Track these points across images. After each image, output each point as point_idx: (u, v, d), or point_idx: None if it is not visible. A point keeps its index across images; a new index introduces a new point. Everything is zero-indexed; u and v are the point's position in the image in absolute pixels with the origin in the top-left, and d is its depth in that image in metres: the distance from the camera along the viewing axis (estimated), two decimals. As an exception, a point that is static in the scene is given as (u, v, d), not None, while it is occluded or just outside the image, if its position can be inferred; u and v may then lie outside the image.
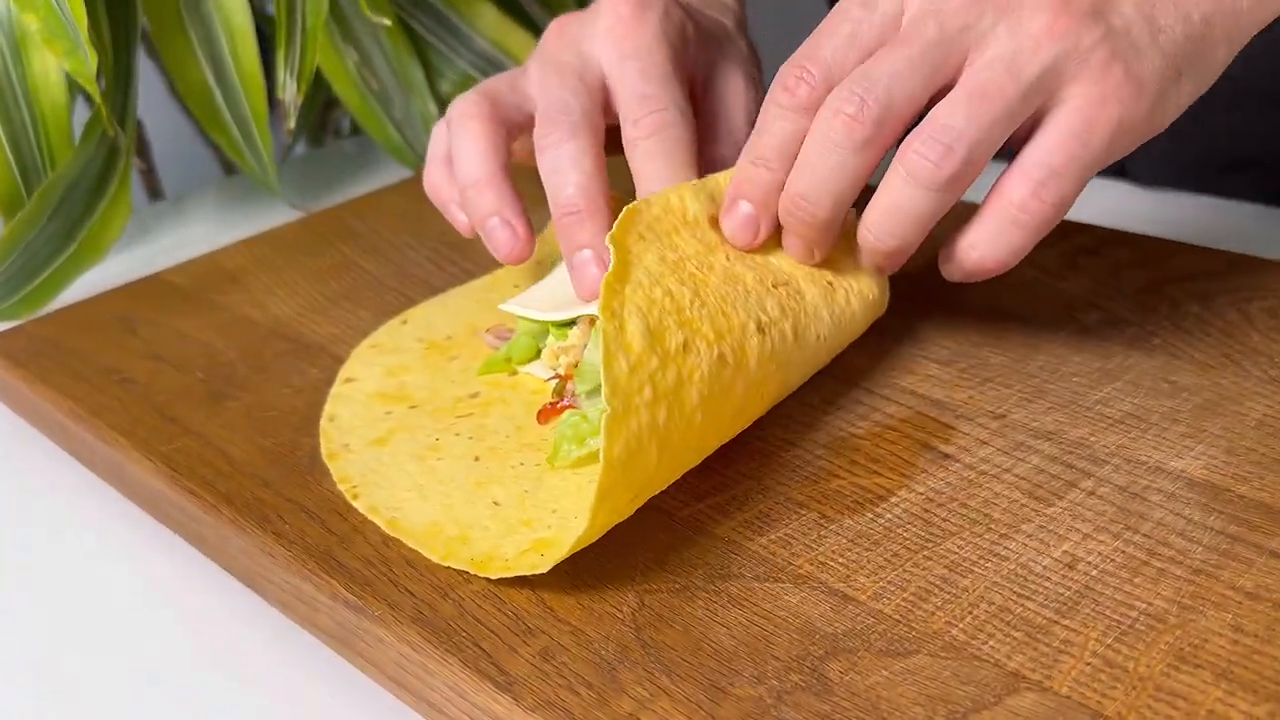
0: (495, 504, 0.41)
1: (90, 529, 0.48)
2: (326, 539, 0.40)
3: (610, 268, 0.38)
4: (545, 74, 0.50)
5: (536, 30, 0.77)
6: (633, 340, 0.37)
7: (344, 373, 0.49)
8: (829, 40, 0.42)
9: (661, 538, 0.39)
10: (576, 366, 0.45)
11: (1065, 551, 0.37)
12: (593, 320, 0.44)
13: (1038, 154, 0.40)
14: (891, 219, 0.41)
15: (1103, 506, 0.39)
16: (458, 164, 0.49)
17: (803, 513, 0.39)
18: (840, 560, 0.37)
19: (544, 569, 0.36)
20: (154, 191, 0.89)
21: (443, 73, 0.77)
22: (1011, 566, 0.36)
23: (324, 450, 0.44)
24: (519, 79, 0.52)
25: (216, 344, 0.54)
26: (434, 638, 0.35)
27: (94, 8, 0.64)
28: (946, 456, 0.42)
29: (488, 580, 0.37)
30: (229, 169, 0.94)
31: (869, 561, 0.37)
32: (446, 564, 0.38)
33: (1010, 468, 0.41)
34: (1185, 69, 0.40)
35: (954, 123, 0.39)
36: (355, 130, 0.93)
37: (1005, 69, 0.39)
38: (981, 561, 0.37)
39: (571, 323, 0.46)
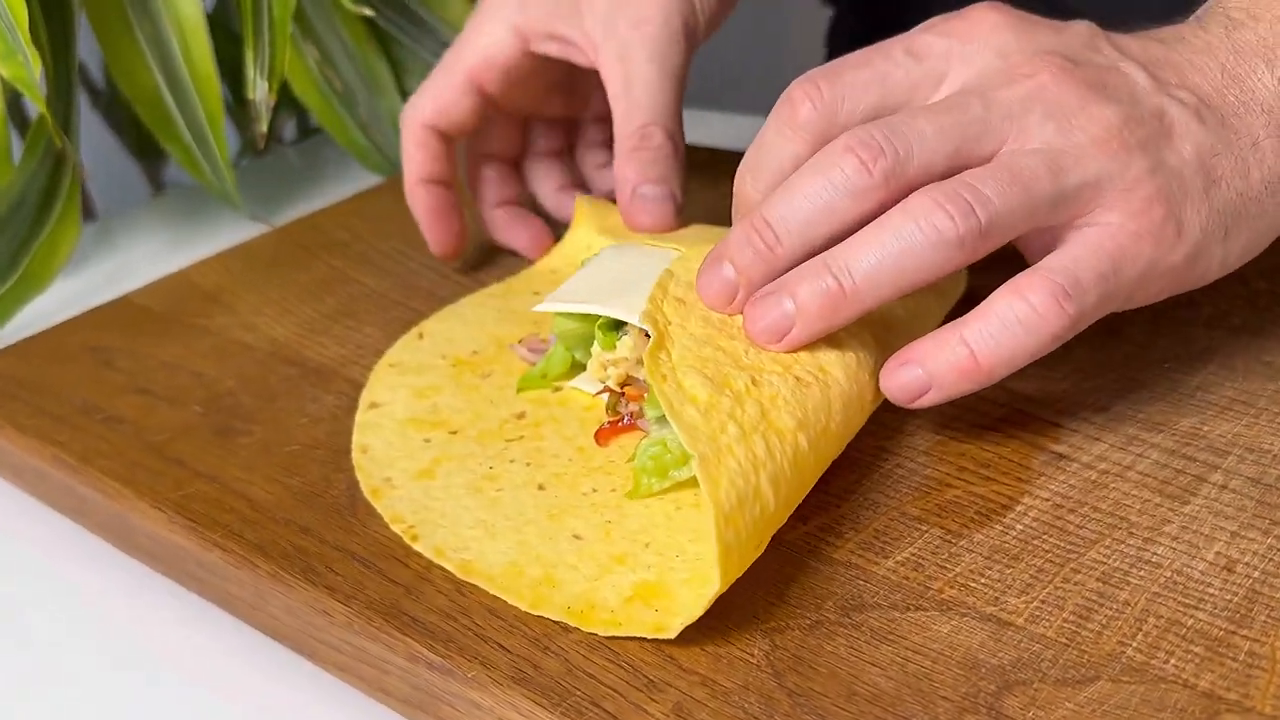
0: (576, 538, 0.36)
1: (89, 593, 0.42)
2: (390, 590, 0.35)
3: (651, 340, 0.36)
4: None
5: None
6: (696, 391, 0.35)
7: (367, 397, 0.44)
8: (854, 71, 0.38)
9: (774, 567, 0.35)
10: (629, 380, 0.41)
11: (1218, 553, 0.34)
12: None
13: (1064, 261, 0.36)
14: (884, 265, 0.35)
15: (1241, 501, 0.36)
16: None
17: (924, 529, 0.36)
18: (981, 580, 0.34)
19: (671, 633, 0.32)
20: (86, 211, 0.82)
21: (409, 68, 0.72)
22: (1167, 574, 0.33)
23: (365, 487, 0.39)
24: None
25: (210, 372, 0.48)
26: (544, 699, 0.31)
27: (30, 7, 0.58)
28: (1061, 457, 0.38)
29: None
30: (157, 186, 0.87)
31: (1014, 580, 0.33)
32: (537, 613, 0.33)
33: (1131, 465, 0.38)
34: (1234, 228, 0.37)
35: (984, 189, 0.35)
36: (303, 135, 0.87)
37: (1046, 165, 0.35)
38: (1134, 570, 0.33)
39: (619, 329, 0.41)
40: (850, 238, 0.36)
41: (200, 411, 0.45)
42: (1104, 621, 0.32)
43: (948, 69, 0.38)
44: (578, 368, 0.44)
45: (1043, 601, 0.33)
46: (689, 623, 0.31)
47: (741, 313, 0.38)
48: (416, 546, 0.36)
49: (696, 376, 0.35)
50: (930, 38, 0.38)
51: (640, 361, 0.40)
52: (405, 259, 0.57)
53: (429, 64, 0.72)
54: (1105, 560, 0.34)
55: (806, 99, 0.38)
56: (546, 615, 0.33)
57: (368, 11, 0.59)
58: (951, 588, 0.33)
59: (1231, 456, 0.38)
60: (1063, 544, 0.35)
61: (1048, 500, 0.37)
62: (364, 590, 0.35)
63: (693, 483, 0.37)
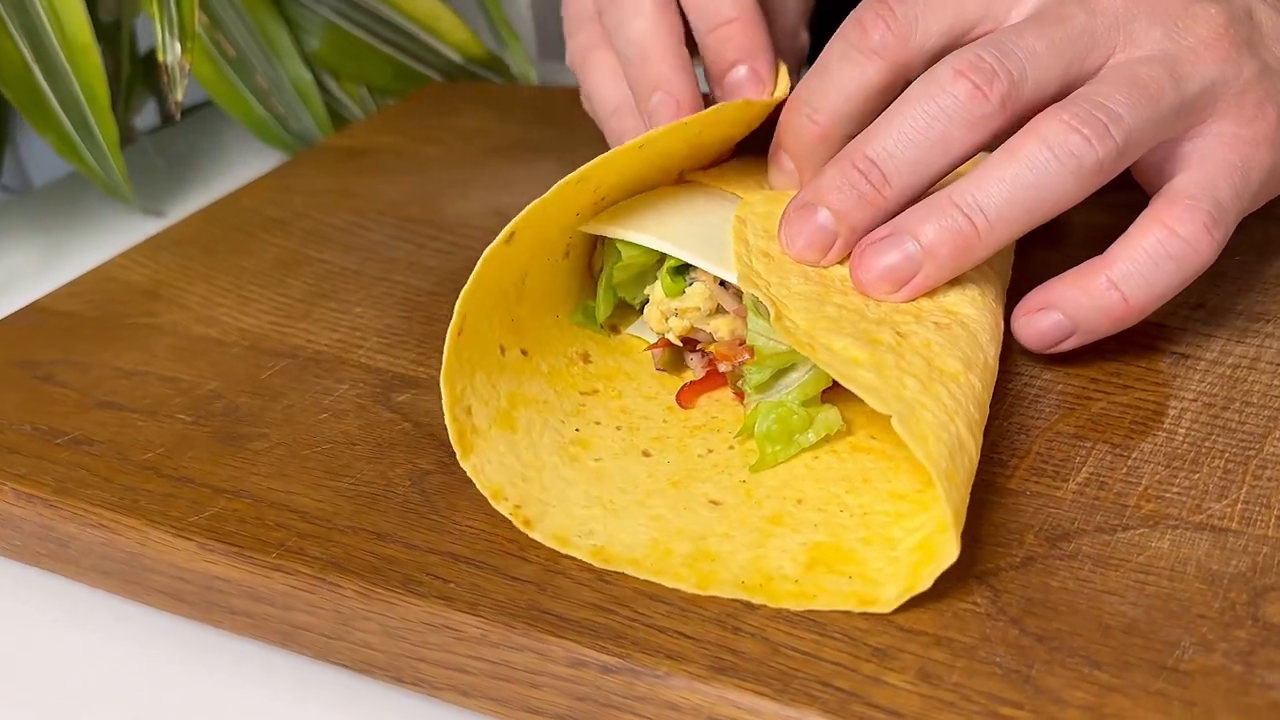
0: (714, 503, 0.32)
1: (97, 659, 0.34)
2: (519, 589, 0.29)
3: (771, 309, 0.32)
4: None
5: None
6: (852, 351, 0.31)
7: None
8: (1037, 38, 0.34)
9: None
10: (693, 330, 0.37)
11: (1388, 434, 0.32)
12: (720, 281, 0.35)
13: (1200, 183, 0.33)
14: (1018, 199, 0.32)
15: (1379, 380, 0.35)
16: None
17: (1087, 445, 0.33)
18: (1174, 490, 0.31)
19: (886, 606, 0.28)
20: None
21: (307, 28, 0.64)
22: (1351, 460, 0.32)
23: (451, 421, 0.32)
24: None
25: (184, 375, 0.40)
26: (763, 688, 0.26)
27: None
28: (1185, 356, 0.36)
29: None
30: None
31: (1206, 485, 0.31)
32: (708, 593, 0.29)
33: (1258, 355, 0.36)
34: None
35: (1114, 105, 0.32)
36: (165, 120, 0.77)
37: (1167, 71, 0.33)
38: (1319, 461, 0.32)
39: (686, 274, 0.36)
40: (974, 171, 0.33)
41: (189, 420, 0.38)
42: (1319, 515, 0.30)
43: None
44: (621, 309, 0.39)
45: (1246, 503, 0.30)
46: (910, 595, 0.27)
47: (838, 263, 0.35)
48: (533, 535, 0.31)
49: (842, 338, 0.31)
50: None
51: (713, 313, 0.36)
52: (364, 231, 0.50)
53: (329, 22, 0.64)
54: (1286, 453, 0.32)
55: (880, 19, 0.35)
56: (719, 594, 0.29)
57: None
58: (1148, 501, 0.31)
59: (1348, 338, 0.37)
60: (1234, 442, 0.33)
61: (1195, 400, 0.34)
62: (488, 595, 0.29)
63: (817, 447, 0.33)
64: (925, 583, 0.27)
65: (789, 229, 0.35)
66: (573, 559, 0.30)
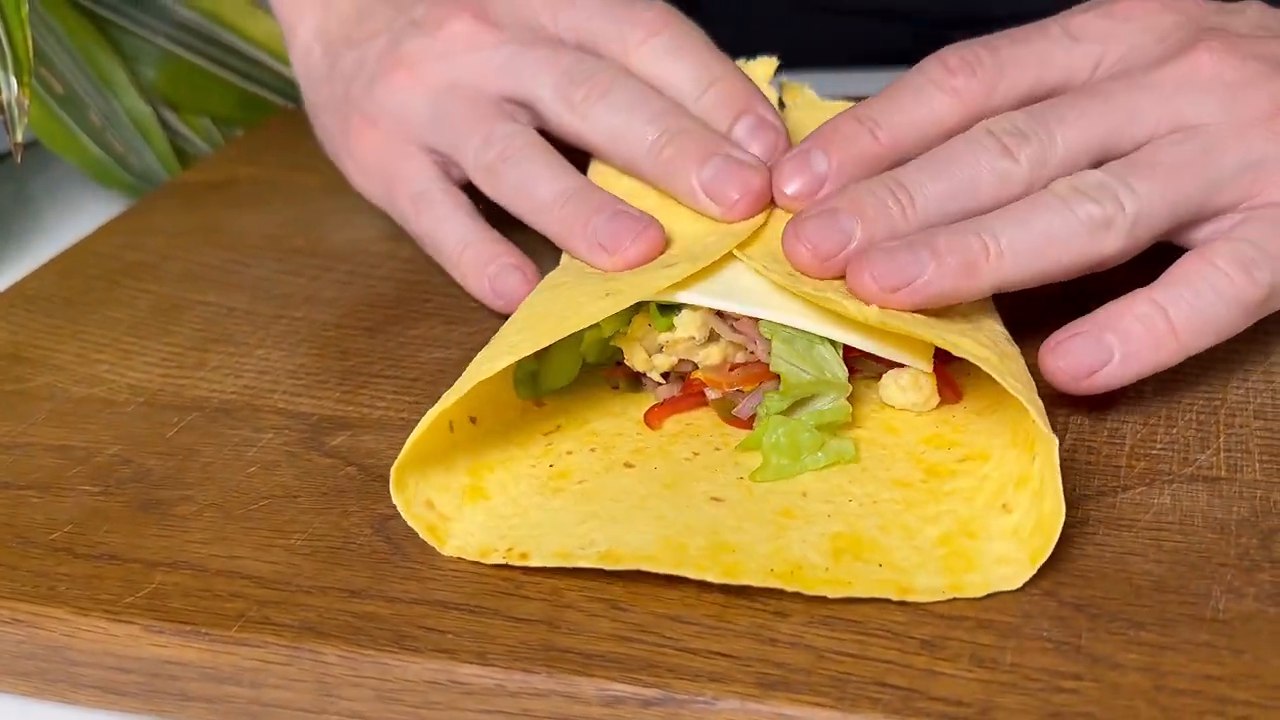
0: (716, 500, 0.30)
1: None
2: (526, 630, 0.27)
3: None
4: (520, 48, 0.40)
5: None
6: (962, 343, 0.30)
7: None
8: (1014, 46, 0.35)
9: (947, 486, 0.30)
10: (682, 363, 0.34)
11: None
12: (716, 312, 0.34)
13: (1245, 232, 0.32)
14: (1030, 240, 0.32)
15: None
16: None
17: (1063, 413, 0.33)
18: (1159, 446, 0.32)
19: (929, 596, 0.27)
20: None
21: (140, 59, 0.59)
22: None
23: (415, 520, 0.30)
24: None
25: (75, 443, 0.36)
26: (820, 698, 0.25)
27: None
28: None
29: (807, 598, 0.27)
30: None
31: (1187, 438, 0.32)
32: (737, 581, 0.27)
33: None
34: None
35: (1134, 183, 0.32)
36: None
37: (1199, 151, 0.33)
38: (1278, 400, 0.33)
39: (674, 309, 0.34)
40: (993, 213, 0.32)
41: (96, 490, 0.33)
42: (1297, 454, 0.31)
43: (1104, 50, 0.35)
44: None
45: (1229, 450, 0.31)
46: (978, 594, 0.27)
47: (838, 274, 0.33)
48: (531, 562, 0.29)
49: (961, 337, 0.31)
50: (1089, 17, 0.36)
51: (707, 340, 0.34)
52: (244, 269, 0.46)
53: (165, 51, 0.60)
54: (1247, 399, 0.33)
55: (967, 65, 0.35)
56: (750, 583, 0.27)
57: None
58: (1138, 460, 0.31)
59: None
60: (1199, 394, 0.33)
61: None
62: (494, 640, 0.27)
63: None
64: (976, 592, 0.27)
65: (804, 229, 0.33)
66: (580, 589, 0.28)
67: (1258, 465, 0.30)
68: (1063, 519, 0.27)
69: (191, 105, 0.61)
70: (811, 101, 0.43)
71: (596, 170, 0.40)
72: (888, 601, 0.27)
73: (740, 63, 0.41)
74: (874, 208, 0.32)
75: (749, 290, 0.33)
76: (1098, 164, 0.33)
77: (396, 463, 0.30)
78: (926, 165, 0.33)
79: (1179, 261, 0.32)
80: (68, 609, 0.29)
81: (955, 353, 0.30)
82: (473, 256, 0.40)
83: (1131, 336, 0.31)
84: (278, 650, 0.28)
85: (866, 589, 0.27)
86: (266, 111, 0.63)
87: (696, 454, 0.32)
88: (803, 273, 0.33)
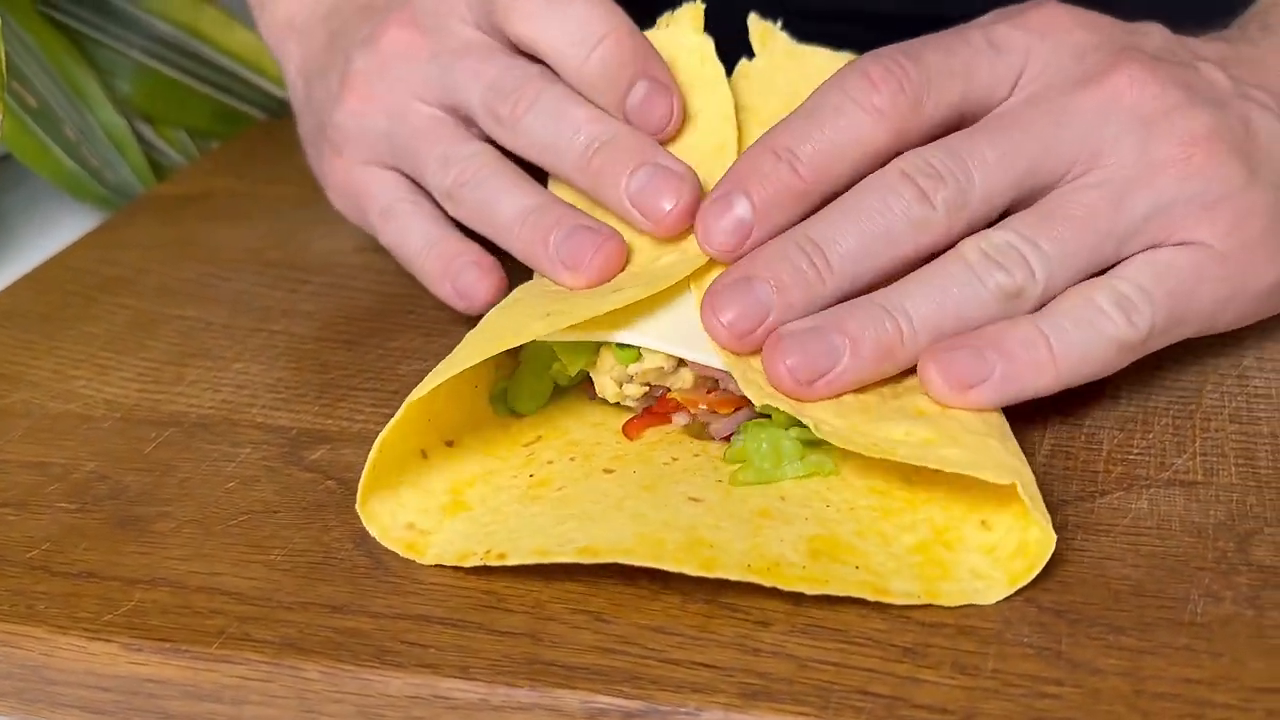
0: (694, 500, 0.30)
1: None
2: (510, 643, 0.27)
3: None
4: (449, 59, 0.39)
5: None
6: (918, 433, 0.30)
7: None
8: (939, 56, 0.33)
9: (927, 493, 0.31)
10: (653, 388, 0.34)
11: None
12: None
13: (1131, 271, 0.32)
14: (943, 314, 0.31)
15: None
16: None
17: (1040, 419, 0.33)
18: (1136, 451, 0.32)
19: (901, 600, 0.27)
20: None
21: (115, 72, 0.59)
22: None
23: (394, 542, 0.30)
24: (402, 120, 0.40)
25: (52, 459, 0.36)
26: (805, 708, 0.25)
27: None
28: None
29: (792, 605, 0.27)
30: None
31: (1164, 443, 0.32)
32: (714, 574, 0.27)
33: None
34: None
35: (1041, 242, 0.31)
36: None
37: (1110, 198, 0.32)
38: (1253, 404, 0.34)
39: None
40: (904, 280, 0.32)
41: (73, 508, 0.33)
42: (1270, 455, 0.31)
43: (1025, 64, 0.33)
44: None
45: (1204, 455, 0.31)
46: (951, 604, 0.27)
47: (756, 350, 0.32)
48: (509, 561, 0.29)
49: (887, 423, 0.30)
50: (1008, 29, 0.34)
51: (677, 365, 0.33)
52: (221, 282, 0.46)
53: (140, 64, 0.59)
54: (1222, 403, 0.33)
55: (891, 78, 0.32)
56: (726, 577, 0.27)
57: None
58: (1115, 465, 0.31)
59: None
60: (1175, 399, 0.34)
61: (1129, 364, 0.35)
62: (477, 654, 0.27)
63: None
64: (950, 601, 0.27)
65: (720, 302, 0.32)
66: (565, 603, 0.28)
67: (1233, 469, 0.31)
68: (1051, 550, 0.27)
69: (167, 118, 0.61)
70: (789, 50, 0.39)
71: (557, 181, 0.39)
72: (869, 609, 0.27)
73: (666, 16, 0.39)
74: (789, 273, 0.31)
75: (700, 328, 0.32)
76: (1012, 203, 0.32)
77: (359, 497, 0.30)
78: (841, 218, 0.32)
79: (1066, 294, 0.32)
80: (46, 627, 0.29)
81: (945, 469, 0.29)
82: (435, 258, 0.39)
83: (1014, 358, 0.31)
84: (259, 667, 0.27)
85: (843, 588, 0.27)
86: (242, 124, 0.63)
87: (676, 459, 0.32)
88: (723, 348, 0.32)
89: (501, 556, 0.29)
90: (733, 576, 0.27)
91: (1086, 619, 0.26)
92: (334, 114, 0.42)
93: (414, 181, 0.41)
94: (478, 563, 0.29)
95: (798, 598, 0.27)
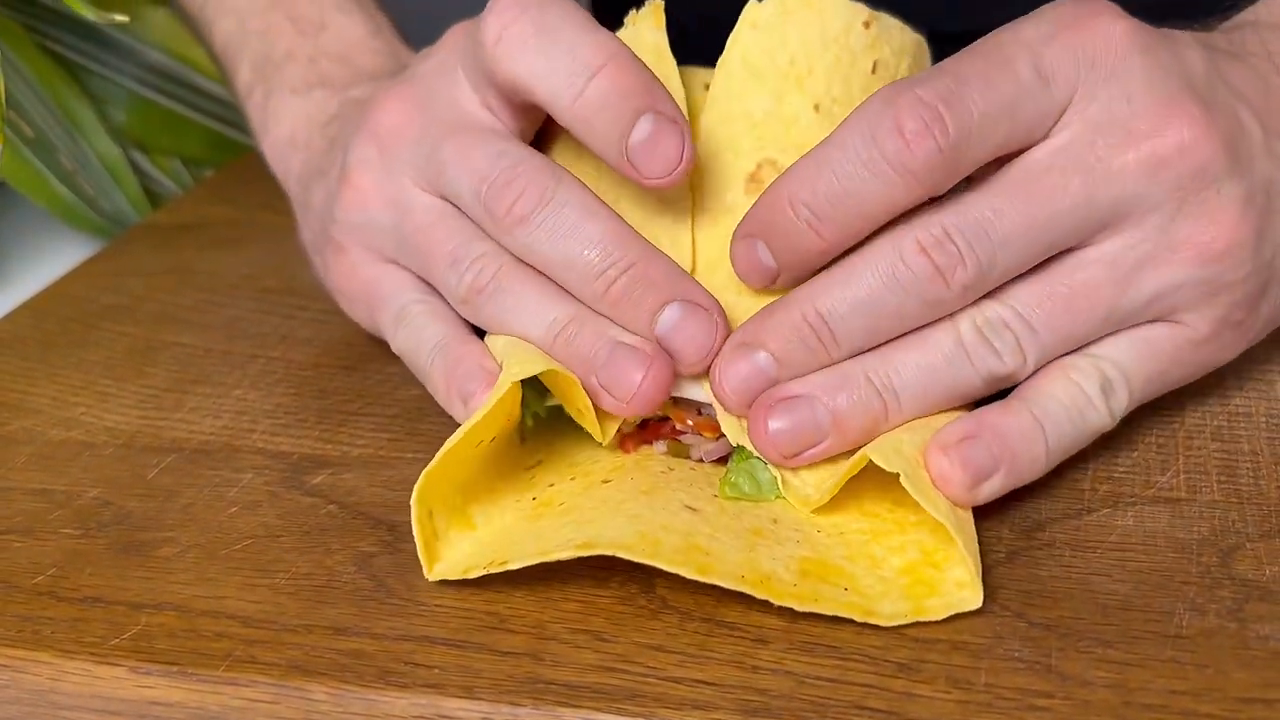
0: (691, 509, 0.31)
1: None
2: (511, 664, 0.27)
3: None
4: (437, 137, 0.35)
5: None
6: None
7: None
8: (981, 95, 0.29)
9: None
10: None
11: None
12: None
13: (1114, 354, 0.31)
14: (931, 390, 0.31)
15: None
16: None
17: (1027, 437, 0.34)
18: (1121, 469, 0.33)
19: (890, 621, 0.28)
20: None
21: (110, 101, 0.60)
22: (1261, 419, 0.34)
23: (419, 534, 0.30)
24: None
25: (55, 486, 0.36)
26: (799, 723, 0.25)
27: None
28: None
29: (789, 622, 0.28)
30: None
31: (1148, 461, 0.33)
32: (708, 580, 0.28)
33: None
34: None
35: (1036, 324, 0.31)
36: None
37: (1120, 281, 0.30)
38: (1234, 422, 0.34)
39: None
40: (891, 349, 0.31)
41: (77, 534, 0.34)
42: (1251, 472, 0.32)
43: (1070, 99, 0.30)
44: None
45: (1188, 473, 0.32)
46: (916, 619, 0.28)
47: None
48: (511, 566, 0.29)
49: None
50: (1059, 53, 0.30)
51: None
52: (219, 309, 0.47)
53: (134, 93, 0.60)
54: (1204, 422, 0.34)
55: (930, 135, 0.29)
56: (720, 584, 0.28)
57: (119, 18, 0.47)
58: (1101, 483, 0.32)
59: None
60: (1158, 418, 0.35)
61: (1110, 384, 0.36)
62: (480, 674, 0.27)
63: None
64: (937, 615, 0.28)
65: (725, 368, 0.31)
66: (567, 624, 0.29)
67: (1216, 486, 0.32)
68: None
69: (162, 147, 0.62)
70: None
71: (558, 148, 0.37)
72: (864, 626, 0.28)
73: (632, 15, 0.36)
74: (798, 350, 0.31)
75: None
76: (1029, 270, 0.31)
77: (427, 473, 0.30)
78: (849, 292, 0.30)
79: (1051, 371, 0.31)
80: (53, 652, 0.29)
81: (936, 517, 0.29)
82: (440, 364, 0.35)
83: (1017, 457, 0.30)
84: (265, 689, 0.28)
85: (832, 608, 0.28)
86: (236, 152, 0.64)
87: (672, 469, 0.33)
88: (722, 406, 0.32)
89: (504, 564, 0.29)
90: (727, 584, 0.28)
91: (1075, 633, 0.27)
92: (334, 211, 0.38)
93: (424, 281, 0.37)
94: (481, 573, 0.30)
95: (793, 616, 0.28)
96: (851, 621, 0.28)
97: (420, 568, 0.31)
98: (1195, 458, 0.33)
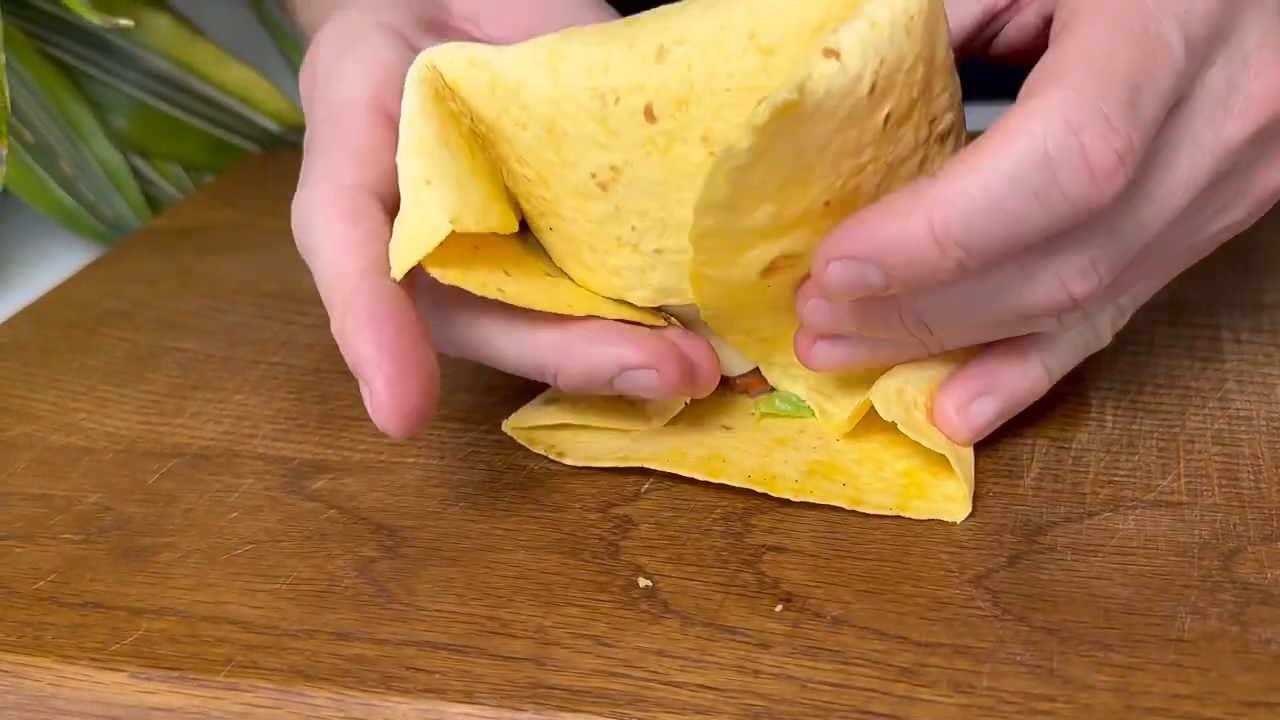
0: (727, 429, 0.34)
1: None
2: (512, 668, 0.27)
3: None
4: None
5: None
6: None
7: None
8: (1151, 93, 0.25)
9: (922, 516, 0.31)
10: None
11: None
12: None
13: (1139, 286, 0.32)
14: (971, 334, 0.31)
15: (1265, 348, 0.37)
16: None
17: (1028, 443, 0.34)
18: (1122, 473, 0.32)
19: (874, 510, 0.31)
20: None
21: (112, 107, 0.60)
22: (1262, 422, 0.34)
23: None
24: None
25: (56, 491, 0.36)
26: (800, 728, 0.25)
27: None
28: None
29: (791, 627, 0.28)
30: None
31: (1149, 465, 0.33)
32: (717, 480, 0.32)
33: (1151, 340, 0.38)
34: None
35: (1127, 296, 0.32)
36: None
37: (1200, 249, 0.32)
38: (1235, 426, 0.34)
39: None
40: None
41: (78, 539, 0.34)
42: (1252, 476, 0.32)
43: (1232, 88, 0.28)
44: None
45: (1189, 476, 0.32)
46: (900, 513, 0.31)
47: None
48: (566, 461, 0.34)
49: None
50: (1247, 144, 0.29)
51: None
52: (220, 314, 0.47)
53: (135, 99, 0.60)
54: (1205, 426, 0.34)
55: (1121, 169, 0.25)
56: (729, 483, 0.32)
57: (124, 22, 0.47)
58: (1102, 487, 0.32)
59: (1222, 314, 0.39)
60: (1159, 422, 0.34)
61: (1112, 388, 0.36)
62: (482, 679, 0.27)
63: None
64: (919, 515, 0.31)
65: (819, 345, 0.32)
66: (561, 633, 0.29)
67: (1217, 490, 0.32)
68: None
69: (162, 152, 0.62)
70: None
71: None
72: (868, 632, 0.28)
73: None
74: (893, 344, 0.31)
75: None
76: None
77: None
78: (965, 305, 0.29)
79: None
80: (53, 658, 0.29)
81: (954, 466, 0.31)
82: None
83: (1020, 403, 0.32)
84: (267, 694, 0.28)
85: (824, 498, 0.31)
86: (236, 157, 0.64)
87: (721, 399, 0.35)
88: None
89: (561, 455, 0.34)
90: (734, 483, 0.32)
91: (1077, 637, 0.27)
92: None
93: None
94: (542, 451, 0.35)
95: (796, 620, 0.28)
96: (855, 627, 0.28)
97: (421, 572, 0.31)
98: (1196, 461, 0.33)
